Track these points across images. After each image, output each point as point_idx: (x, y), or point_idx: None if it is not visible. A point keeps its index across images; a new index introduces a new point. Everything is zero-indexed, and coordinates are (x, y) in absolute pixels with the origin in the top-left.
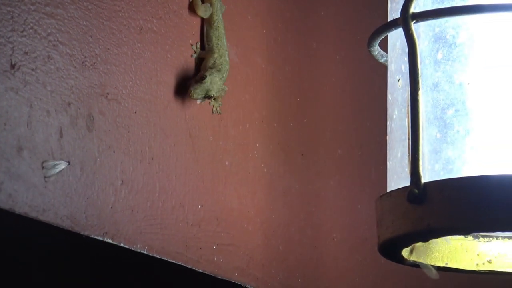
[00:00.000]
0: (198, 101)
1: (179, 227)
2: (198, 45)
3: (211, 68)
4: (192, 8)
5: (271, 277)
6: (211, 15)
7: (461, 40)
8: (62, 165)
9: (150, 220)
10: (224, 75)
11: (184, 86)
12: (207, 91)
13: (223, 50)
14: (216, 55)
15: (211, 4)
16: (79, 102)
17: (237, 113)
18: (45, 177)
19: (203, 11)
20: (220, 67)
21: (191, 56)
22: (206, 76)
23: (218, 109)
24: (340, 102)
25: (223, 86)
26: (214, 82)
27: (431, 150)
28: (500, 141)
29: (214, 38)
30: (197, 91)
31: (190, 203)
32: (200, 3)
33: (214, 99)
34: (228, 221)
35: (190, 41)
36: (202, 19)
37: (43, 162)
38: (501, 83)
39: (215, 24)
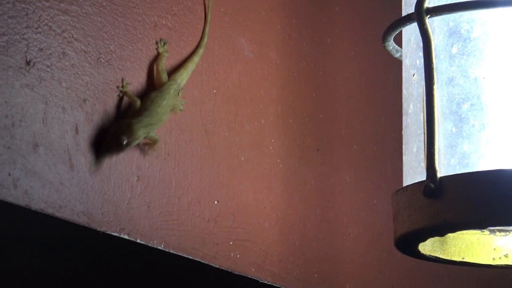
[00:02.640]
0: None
1: (196, 223)
2: (128, 86)
3: (140, 115)
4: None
5: (288, 272)
6: (164, 84)
7: (476, 35)
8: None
9: (166, 216)
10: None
11: None
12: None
13: (151, 111)
14: (138, 105)
15: (170, 79)
16: (95, 99)
17: (253, 109)
18: (90, 172)
19: (164, 77)
20: (147, 115)
21: (117, 88)
22: (133, 122)
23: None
24: (355, 97)
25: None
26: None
27: (446, 144)
28: None
29: (151, 98)
30: (139, 132)
31: (206, 199)
32: (163, 71)
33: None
34: (244, 217)
35: (121, 76)
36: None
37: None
38: None
39: (162, 93)
